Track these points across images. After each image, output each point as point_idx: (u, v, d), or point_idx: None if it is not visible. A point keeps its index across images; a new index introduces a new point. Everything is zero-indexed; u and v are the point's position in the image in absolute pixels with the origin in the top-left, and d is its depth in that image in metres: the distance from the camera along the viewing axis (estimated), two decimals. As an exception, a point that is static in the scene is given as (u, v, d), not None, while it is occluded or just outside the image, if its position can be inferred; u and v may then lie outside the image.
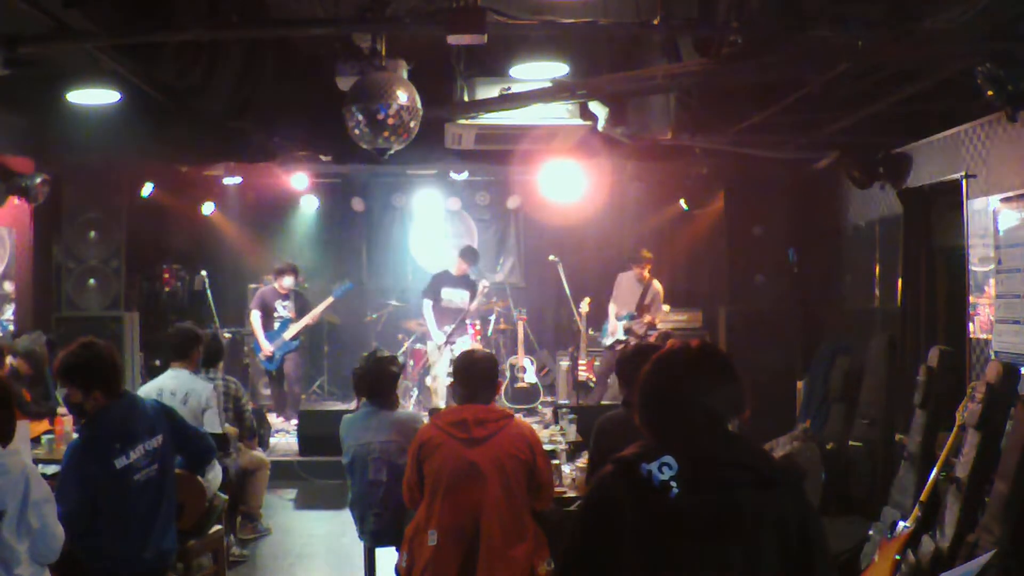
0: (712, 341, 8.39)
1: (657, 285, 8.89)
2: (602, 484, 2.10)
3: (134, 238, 7.94)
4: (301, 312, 8.91)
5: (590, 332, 9.42)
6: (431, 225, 11.06)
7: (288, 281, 8.87)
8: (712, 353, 2.17)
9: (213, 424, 5.13)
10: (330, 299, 8.98)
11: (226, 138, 6.42)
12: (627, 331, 8.68)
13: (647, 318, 8.72)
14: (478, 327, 9.71)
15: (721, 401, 2.08)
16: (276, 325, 8.85)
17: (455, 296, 8.72)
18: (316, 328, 9.92)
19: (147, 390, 5.08)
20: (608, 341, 8.84)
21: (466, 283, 8.84)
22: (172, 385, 5.07)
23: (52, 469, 4.33)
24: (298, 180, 10.00)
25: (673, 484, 1.97)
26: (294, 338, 8.86)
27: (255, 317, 8.85)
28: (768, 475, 2.05)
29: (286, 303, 8.91)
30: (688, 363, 2.13)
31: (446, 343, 8.59)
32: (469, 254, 8.95)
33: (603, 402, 8.41)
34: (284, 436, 8.52)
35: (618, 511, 2.01)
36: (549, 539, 3.68)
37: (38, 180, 7.04)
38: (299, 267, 9.21)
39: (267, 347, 8.77)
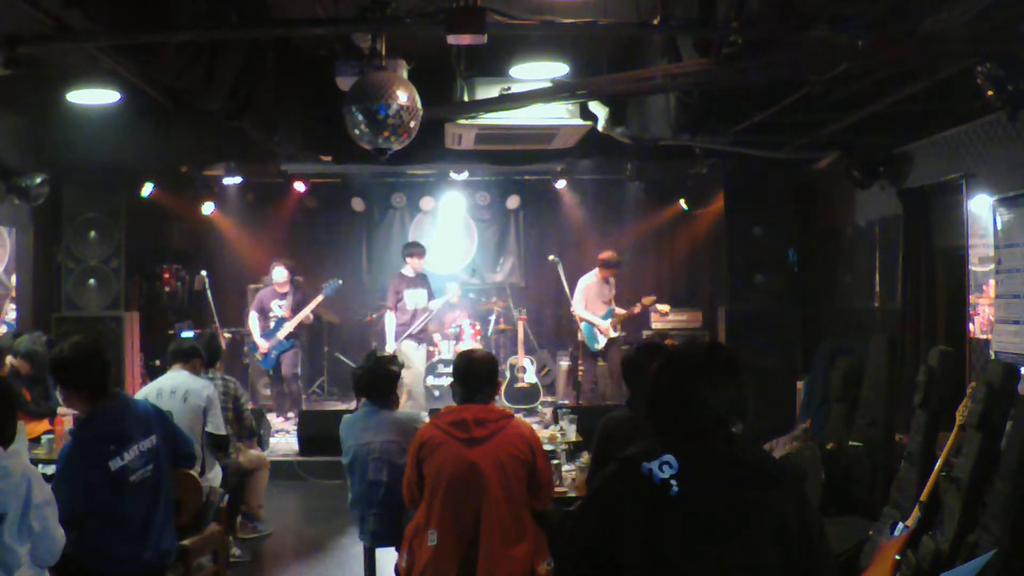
0: (712, 341, 8.41)
1: (612, 280, 9.06)
2: (604, 483, 2.10)
3: (134, 238, 7.94)
4: (296, 311, 8.92)
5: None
6: (431, 225, 11.07)
7: (280, 274, 8.87)
8: (720, 353, 2.17)
9: (218, 425, 5.14)
10: (320, 297, 8.98)
11: (226, 138, 6.42)
12: (615, 327, 8.73)
13: (619, 310, 8.81)
14: (478, 327, 9.73)
15: (726, 401, 2.08)
16: (272, 324, 8.88)
17: (416, 298, 8.68)
18: (316, 328, 9.91)
19: (147, 391, 5.11)
20: (602, 344, 8.76)
21: (424, 282, 8.80)
22: (171, 385, 5.10)
23: (52, 469, 4.32)
24: (298, 180, 10.02)
25: (673, 483, 1.98)
26: (288, 337, 8.87)
27: (252, 318, 8.97)
28: (769, 475, 2.05)
29: (282, 302, 8.93)
30: (697, 362, 2.13)
31: (420, 343, 8.73)
32: (415, 249, 8.80)
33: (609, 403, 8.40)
34: (284, 436, 8.53)
35: (619, 510, 2.02)
36: (549, 539, 3.68)
37: (38, 180, 7.04)
38: (291, 263, 9.19)
39: (263, 344, 8.81)
